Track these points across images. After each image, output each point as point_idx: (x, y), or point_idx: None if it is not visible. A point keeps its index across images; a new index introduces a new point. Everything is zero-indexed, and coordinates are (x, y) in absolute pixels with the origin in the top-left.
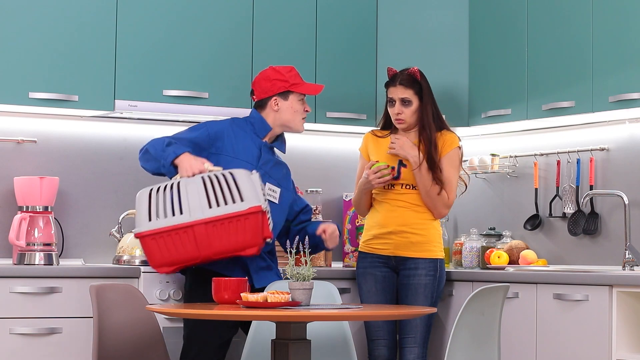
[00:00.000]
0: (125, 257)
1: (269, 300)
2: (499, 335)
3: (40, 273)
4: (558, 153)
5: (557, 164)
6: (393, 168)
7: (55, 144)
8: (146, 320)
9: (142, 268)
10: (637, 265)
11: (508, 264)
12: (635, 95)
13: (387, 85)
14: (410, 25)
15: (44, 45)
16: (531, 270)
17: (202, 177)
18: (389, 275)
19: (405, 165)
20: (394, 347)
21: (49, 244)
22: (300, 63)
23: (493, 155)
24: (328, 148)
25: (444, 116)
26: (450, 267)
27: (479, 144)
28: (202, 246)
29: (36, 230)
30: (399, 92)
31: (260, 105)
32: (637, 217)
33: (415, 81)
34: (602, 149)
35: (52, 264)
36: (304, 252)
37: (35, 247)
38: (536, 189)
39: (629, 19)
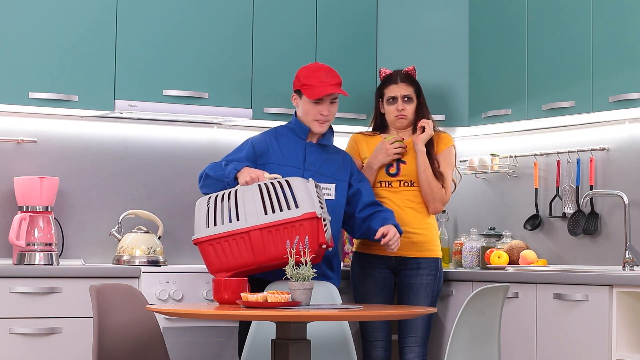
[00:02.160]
0: (125, 257)
1: (269, 300)
2: (499, 335)
3: (40, 273)
4: (558, 153)
5: (557, 164)
6: (403, 140)
7: (55, 144)
8: (146, 320)
9: (142, 268)
10: (637, 265)
11: (508, 264)
12: (635, 95)
13: (387, 84)
14: (410, 25)
15: (44, 45)
16: (531, 270)
17: (259, 185)
18: (387, 277)
19: (404, 162)
20: (390, 348)
21: (49, 244)
22: (300, 63)
23: (493, 155)
24: None
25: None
26: (450, 267)
27: (479, 144)
28: (258, 252)
29: (36, 230)
30: (402, 90)
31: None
32: (637, 217)
33: (413, 80)
34: (602, 149)
35: (52, 264)
36: (304, 252)
37: (35, 247)
38: (536, 189)
39: (629, 19)
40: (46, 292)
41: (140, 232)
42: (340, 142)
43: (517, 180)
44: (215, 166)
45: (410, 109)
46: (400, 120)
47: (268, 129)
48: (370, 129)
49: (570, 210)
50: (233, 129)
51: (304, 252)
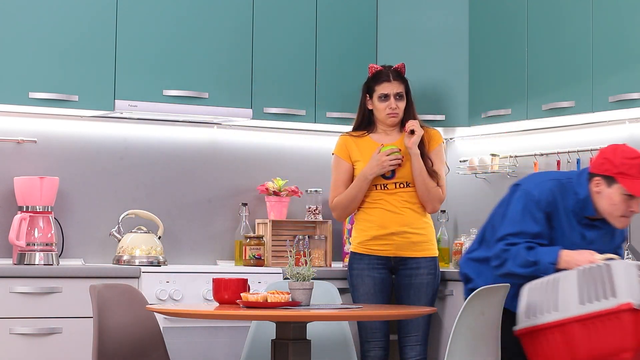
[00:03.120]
0: (125, 257)
1: (269, 300)
2: (499, 335)
3: (40, 273)
4: (558, 153)
5: (557, 164)
6: (400, 151)
7: (55, 144)
8: (146, 320)
9: (142, 268)
10: None
11: None
12: (635, 95)
13: (379, 81)
14: (410, 25)
15: (44, 45)
16: None
17: (578, 270)
18: (386, 277)
19: (400, 165)
20: (388, 347)
21: (49, 244)
22: (300, 63)
23: (493, 155)
24: (328, 148)
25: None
26: (450, 267)
27: (479, 144)
28: (571, 346)
29: (36, 230)
30: (395, 87)
31: (591, 175)
32: (637, 217)
33: (404, 77)
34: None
35: (52, 264)
36: (304, 252)
37: (35, 247)
38: None
39: (628, 19)
40: (46, 292)
41: (140, 232)
42: (331, 142)
43: None
44: (515, 258)
45: (402, 106)
46: (392, 119)
47: (268, 129)
48: (354, 126)
49: None
50: (233, 129)
51: (304, 252)
